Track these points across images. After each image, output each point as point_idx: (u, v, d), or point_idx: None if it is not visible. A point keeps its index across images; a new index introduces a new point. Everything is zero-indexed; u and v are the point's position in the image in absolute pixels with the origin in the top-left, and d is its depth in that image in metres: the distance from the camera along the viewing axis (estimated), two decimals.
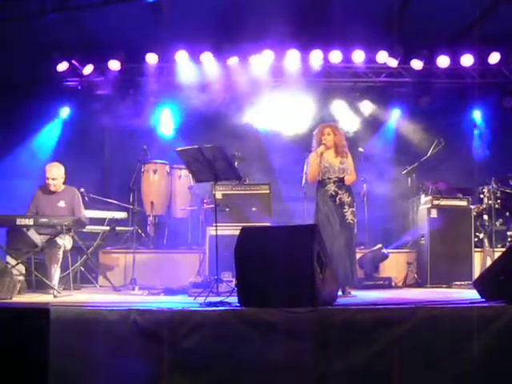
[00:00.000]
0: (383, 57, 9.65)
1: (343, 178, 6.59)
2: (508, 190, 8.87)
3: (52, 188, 6.97)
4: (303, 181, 7.79)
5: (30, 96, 9.08)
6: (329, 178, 6.58)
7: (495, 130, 10.38)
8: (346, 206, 6.52)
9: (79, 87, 9.95)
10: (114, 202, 8.21)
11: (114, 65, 9.52)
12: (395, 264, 8.30)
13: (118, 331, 4.27)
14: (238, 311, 4.41)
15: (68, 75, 9.72)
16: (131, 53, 9.52)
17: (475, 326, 4.38)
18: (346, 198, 6.55)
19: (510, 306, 4.49)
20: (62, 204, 6.98)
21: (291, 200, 9.08)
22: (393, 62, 9.71)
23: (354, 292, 6.43)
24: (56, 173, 6.97)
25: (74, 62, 9.56)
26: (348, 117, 10.27)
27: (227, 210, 7.40)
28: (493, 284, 4.89)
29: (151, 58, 9.50)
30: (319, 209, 6.58)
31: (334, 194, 6.54)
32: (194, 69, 9.63)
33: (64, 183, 7.12)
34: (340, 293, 6.24)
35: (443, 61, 9.72)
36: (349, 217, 6.52)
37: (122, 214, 7.92)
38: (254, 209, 7.58)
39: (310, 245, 4.40)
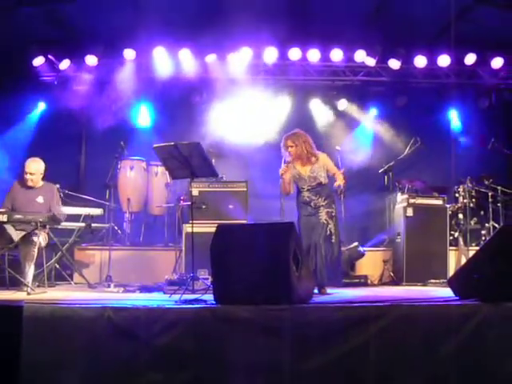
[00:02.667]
0: (361, 56, 9.70)
1: (316, 184, 6.64)
2: (483, 190, 8.97)
3: (30, 183, 6.89)
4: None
5: (5, 90, 8.96)
6: (302, 188, 6.68)
7: (471, 130, 10.49)
8: (321, 208, 6.59)
9: (55, 82, 9.81)
10: (90, 198, 8.11)
11: (91, 60, 9.42)
12: (371, 262, 8.34)
13: (93, 329, 4.23)
14: (214, 309, 4.39)
15: (44, 70, 9.58)
16: (108, 48, 9.43)
17: (449, 323, 4.43)
18: (322, 202, 6.61)
19: (483, 304, 4.54)
20: (40, 200, 6.90)
21: (268, 197, 9.08)
22: (371, 61, 9.77)
23: (330, 290, 6.45)
24: (35, 168, 6.89)
25: (50, 56, 9.44)
26: (325, 115, 10.31)
27: (204, 207, 7.38)
28: (467, 282, 4.93)
29: (129, 54, 9.42)
30: (300, 214, 6.69)
31: (308, 200, 6.63)
32: (172, 65, 9.57)
33: (43, 179, 7.03)
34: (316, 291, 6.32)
35: (420, 61, 9.80)
36: (322, 217, 6.57)
37: (97, 211, 7.84)
38: (230, 206, 7.57)
39: (286, 243, 4.41)
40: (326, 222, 6.56)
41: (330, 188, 6.73)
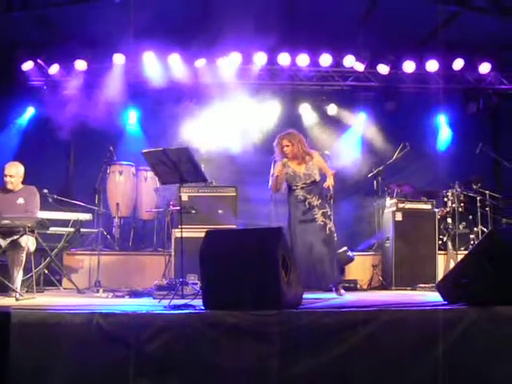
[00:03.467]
0: (350, 61, 9.73)
1: (311, 182, 6.68)
2: (471, 194, 9.03)
3: (9, 186, 6.85)
4: (270, 183, 7.84)
5: None
6: (296, 185, 6.70)
7: (459, 135, 10.56)
8: (316, 209, 6.61)
9: (44, 87, 9.79)
10: (79, 203, 8.09)
11: (81, 65, 9.40)
12: (361, 266, 8.37)
13: (82, 335, 4.21)
14: (203, 314, 4.38)
15: (33, 74, 9.57)
16: (98, 53, 9.42)
17: (438, 328, 4.45)
18: (316, 201, 6.64)
19: (471, 308, 4.57)
20: (20, 201, 6.84)
21: (258, 202, 9.08)
22: (359, 67, 9.82)
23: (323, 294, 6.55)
24: (14, 171, 6.86)
25: (39, 61, 9.43)
26: (314, 120, 10.34)
27: (193, 212, 7.38)
28: (455, 287, 4.95)
29: (118, 59, 9.41)
30: (291, 214, 6.71)
31: (302, 198, 6.66)
32: (162, 70, 9.56)
33: (23, 183, 7.00)
34: (334, 295, 6.48)
35: (409, 66, 9.86)
36: (319, 218, 6.60)
37: (86, 216, 7.82)
38: (220, 211, 7.57)
39: (275, 248, 4.41)
40: (323, 222, 6.59)
41: (321, 187, 6.75)
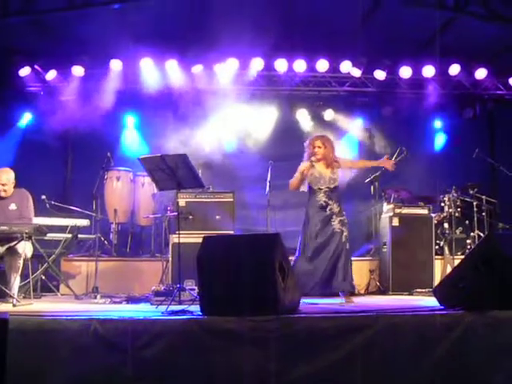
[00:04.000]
0: (347, 66, 9.76)
1: (334, 187, 6.78)
2: (468, 199, 9.07)
3: (2, 194, 6.77)
4: (267, 188, 7.88)
5: None
6: (319, 189, 6.77)
7: (456, 140, 10.59)
8: (334, 216, 6.71)
9: (41, 92, 9.79)
10: (77, 209, 8.10)
11: (78, 71, 9.41)
12: (358, 271, 8.31)
13: (79, 341, 4.21)
14: (200, 320, 4.39)
15: (30, 80, 9.57)
16: (95, 59, 9.42)
17: (434, 333, 4.47)
18: (336, 208, 6.74)
19: (467, 312, 4.58)
20: (12, 207, 6.76)
21: (255, 208, 9.13)
22: (356, 72, 9.84)
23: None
24: (6, 179, 6.80)
25: (36, 66, 9.43)
26: (312, 125, 10.36)
27: (191, 217, 7.39)
28: (452, 291, 4.97)
29: (115, 65, 9.42)
30: (309, 218, 6.77)
31: (324, 204, 6.74)
32: (159, 76, 9.57)
33: (14, 187, 6.95)
34: (342, 300, 6.52)
35: (405, 71, 9.89)
36: (336, 226, 6.68)
37: (84, 222, 7.82)
38: (217, 217, 7.57)
39: (272, 253, 4.43)
40: (339, 230, 6.68)
41: (340, 192, 6.88)
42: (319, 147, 6.83)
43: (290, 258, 6.35)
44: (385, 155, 7.04)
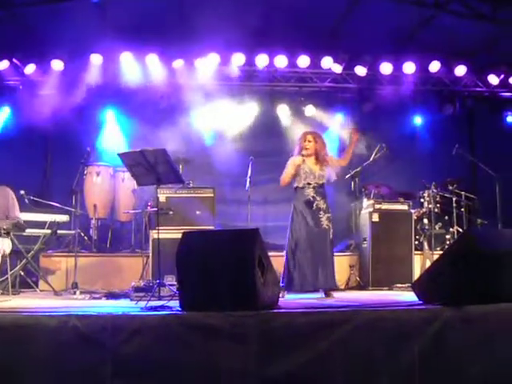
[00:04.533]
0: (328, 62, 9.77)
1: (322, 183, 6.81)
2: (447, 195, 9.14)
3: None
4: (247, 184, 7.88)
5: None
6: (308, 184, 6.80)
7: (436, 136, 10.66)
8: (322, 212, 6.74)
9: (20, 86, 9.68)
10: (56, 204, 8.03)
11: (57, 65, 9.32)
12: (338, 267, 8.30)
13: (57, 337, 4.17)
14: (179, 315, 4.38)
15: (9, 74, 9.45)
16: (75, 53, 9.34)
17: (412, 328, 4.50)
18: (322, 205, 6.77)
19: (445, 307, 4.63)
20: None
21: (236, 203, 9.12)
22: (337, 68, 9.86)
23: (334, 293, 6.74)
24: None
25: (15, 60, 9.31)
26: (292, 121, 10.37)
27: (171, 213, 7.38)
28: (430, 287, 5.01)
29: (95, 59, 9.34)
30: (296, 213, 6.78)
31: (311, 199, 6.77)
32: (139, 70, 9.52)
33: None
34: (322, 295, 6.57)
35: (386, 68, 9.93)
36: (324, 222, 6.74)
37: (63, 217, 7.77)
38: (198, 212, 7.56)
39: (251, 249, 4.43)
40: (327, 227, 6.74)
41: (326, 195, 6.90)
42: (309, 141, 6.86)
43: (270, 253, 6.39)
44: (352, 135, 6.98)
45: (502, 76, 10.13)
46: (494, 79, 10.19)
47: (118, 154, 5.97)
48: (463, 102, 10.65)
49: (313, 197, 6.74)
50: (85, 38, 8.84)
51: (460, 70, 9.99)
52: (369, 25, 8.89)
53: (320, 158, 6.86)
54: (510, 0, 8.55)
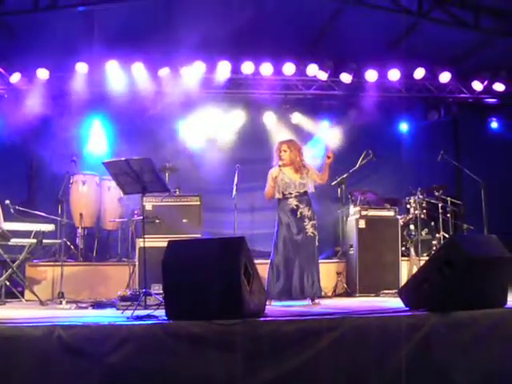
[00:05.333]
0: (313, 70, 9.82)
1: (304, 192, 6.79)
2: (433, 201, 9.20)
3: None
4: (234, 192, 7.89)
5: None
6: (290, 193, 6.77)
7: (421, 142, 10.74)
8: (307, 220, 6.72)
9: (6, 95, 9.64)
10: (42, 213, 7.97)
11: (43, 73, 9.29)
12: (325, 274, 8.32)
13: (43, 348, 4.14)
14: (165, 324, 4.36)
15: None
16: (60, 62, 9.31)
17: (399, 334, 4.51)
18: (307, 212, 6.74)
19: (431, 313, 4.65)
20: None
21: (223, 211, 9.12)
22: (323, 75, 9.90)
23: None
24: None
25: (0, 69, 9.27)
26: (279, 128, 10.40)
27: (157, 221, 7.36)
28: (416, 293, 5.04)
29: (81, 67, 9.32)
30: (281, 222, 6.76)
31: (295, 207, 6.73)
32: (125, 78, 9.51)
33: None
34: (308, 302, 6.60)
35: (371, 75, 9.99)
36: (309, 230, 6.71)
37: (49, 227, 7.70)
38: (184, 220, 7.54)
39: (237, 257, 4.42)
40: (312, 234, 6.73)
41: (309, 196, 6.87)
42: (285, 151, 6.82)
43: (258, 261, 6.40)
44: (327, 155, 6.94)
45: (486, 82, 10.22)
46: (478, 86, 10.28)
47: (103, 163, 5.94)
48: (448, 108, 10.75)
49: (296, 205, 6.72)
50: (70, 47, 8.83)
51: (444, 77, 10.08)
52: (354, 32, 8.96)
53: (298, 166, 6.83)
54: (491, 8, 8.65)
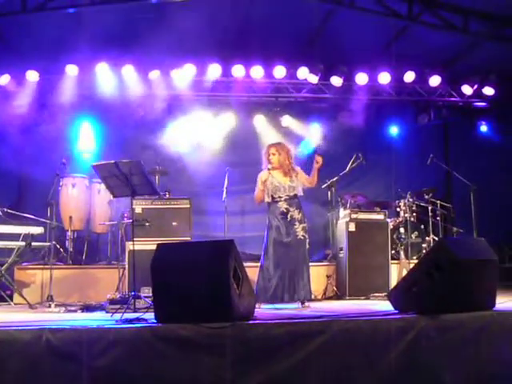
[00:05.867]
0: (304, 73, 9.82)
1: (294, 195, 6.76)
2: (423, 204, 9.23)
3: None
4: (224, 195, 7.88)
5: None
6: (279, 197, 6.74)
7: (411, 146, 10.78)
8: (297, 223, 6.70)
9: None
10: (31, 216, 7.92)
11: (32, 75, 9.26)
12: (315, 277, 8.32)
13: (31, 352, 4.12)
14: (154, 327, 4.35)
15: None
16: (50, 64, 9.28)
17: (388, 337, 4.53)
18: (297, 215, 6.72)
19: (420, 316, 4.66)
20: None
21: (212, 214, 9.11)
22: (313, 78, 9.91)
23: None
24: None
25: None
26: (269, 131, 10.41)
27: (147, 224, 7.33)
28: (405, 296, 5.06)
29: (71, 70, 9.30)
30: (271, 226, 6.74)
31: (285, 211, 6.71)
32: (115, 81, 9.48)
33: None
34: (298, 305, 6.59)
35: (362, 78, 10.02)
36: (300, 233, 6.69)
37: (38, 229, 7.66)
38: (174, 223, 7.52)
39: (227, 260, 4.42)
40: (303, 237, 6.71)
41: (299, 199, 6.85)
42: (273, 154, 6.81)
43: (248, 264, 6.40)
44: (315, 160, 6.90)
45: (476, 86, 10.28)
46: (467, 89, 10.33)
47: (93, 166, 5.92)
48: (438, 111, 10.80)
49: (286, 208, 6.71)
50: (60, 49, 8.80)
51: (434, 80, 10.12)
52: (344, 36, 8.98)
53: (287, 170, 6.81)
54: (480, 12, 8.69)
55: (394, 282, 8.15)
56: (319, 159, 6.76)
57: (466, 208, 9.03)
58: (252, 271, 6.47)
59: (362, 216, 8.47)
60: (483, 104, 10.83)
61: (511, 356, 4.72)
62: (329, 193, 9.24)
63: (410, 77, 10.06)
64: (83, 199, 8.71)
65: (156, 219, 7.47)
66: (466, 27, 8.76)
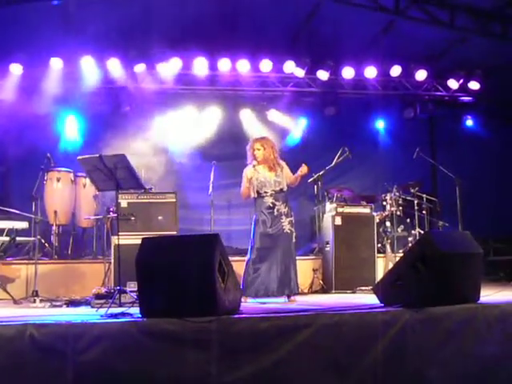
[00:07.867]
0: (290, 67, 9.81)
1: (279, 189, 6.74)
2: (409, 198, 9.26)
3: None
4: (210, 189, 7.86)
5: None
6: (265, 192, 6.73)
7: (397, 140, 10.82)
8: (284, 217, 6.70)
9: None
10: (15, 211, 7.85)
11: (16, 69, 9.16)
12: (301, 271, 8.31)
13: (14, 348, 4.07)
14: (139, 322, 4.32)
15: None
16: (34, 57, 9.18)
17: (374, 330, 4.54)
18: (283, 209, 6.72)
19: (406, 310, 4.68)
20: None
21: (198, 208, 9.09)
22: (300, 72, 9.91)
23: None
24: None
25: None
26: (255, 125, 10.39)
27: (133, 218, 7.29)
28: (391, 289, 5.07)
29: (56, 63, 9.21)
30: (258, 220, 6.73)
31: (271, 205, 6.70)
32: (100, 74, 9.41)
33: None
34: (285, 299, 6.58)
35: (348, 72, 10.03)
36: (286, 227, 6.69)
37: (22, 224, 7.59)
38: (160, 217, 7.49)
39: (211, 254, 4.40)
40: (289, 231, 6.71)
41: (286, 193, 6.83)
42: (258, 149, 6.78)
43: (234, 258, 6.39)
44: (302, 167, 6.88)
45: (462, 81, 10.34)
46: (453, 84, 10.39)
47: (78, 159, 5.87)
48: (424, 106, 10.82)
49: (272, 203, 6.69)
50: (45, 42, 8.70)
51: (421, 75, 10.16)
52: (331, 30, 8.99)
53: (272, 164, 6.78)
54: (467, 7, 8.72)
55: (380, 275, 8.17)
56: (305, 169, 6.74)
57: (451, 201, 9.08)
58: (238, 265, 6.48)
59: (348, 210, 8.50)
60: (469, 98, 10.88)
61: (496, 348, 4.74)
62: (315, 187, 9.22)
63: (396, 71, 10.10)
64: (68, 193, 8.63)
65: (142, 213, 7.43)
66: (453, 22, 8.80)
